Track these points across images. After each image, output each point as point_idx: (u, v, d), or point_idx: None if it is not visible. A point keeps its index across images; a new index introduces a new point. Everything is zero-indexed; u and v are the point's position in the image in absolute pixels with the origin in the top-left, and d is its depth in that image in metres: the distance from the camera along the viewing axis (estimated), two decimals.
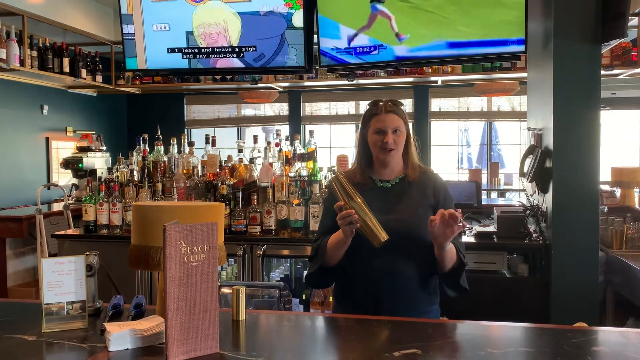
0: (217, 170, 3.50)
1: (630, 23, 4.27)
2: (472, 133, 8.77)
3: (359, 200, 1.79)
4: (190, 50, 3.51)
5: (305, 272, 2.10)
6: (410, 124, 2.03)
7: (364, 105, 2.13)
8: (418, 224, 1.88)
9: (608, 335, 1.63)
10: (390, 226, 1.81)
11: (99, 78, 5.85)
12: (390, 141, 1.90)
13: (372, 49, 3.27)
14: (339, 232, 1.84)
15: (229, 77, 5.89)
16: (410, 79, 5.90)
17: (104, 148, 6.01)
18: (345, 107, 7.69)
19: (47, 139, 6.62)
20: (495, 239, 3.24)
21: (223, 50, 3.47)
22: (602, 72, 3.47)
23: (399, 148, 1.94)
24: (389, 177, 1.99)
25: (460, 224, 1.72)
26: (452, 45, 3.13)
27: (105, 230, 3.43)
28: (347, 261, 1.91)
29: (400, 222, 1.88)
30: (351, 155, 3.31)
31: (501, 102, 7.27)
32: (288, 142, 3.59)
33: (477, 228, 3.40)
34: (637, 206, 4.02)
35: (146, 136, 3.73)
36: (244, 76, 5.65)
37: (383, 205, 1.91)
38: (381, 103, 1.96)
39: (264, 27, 3.38)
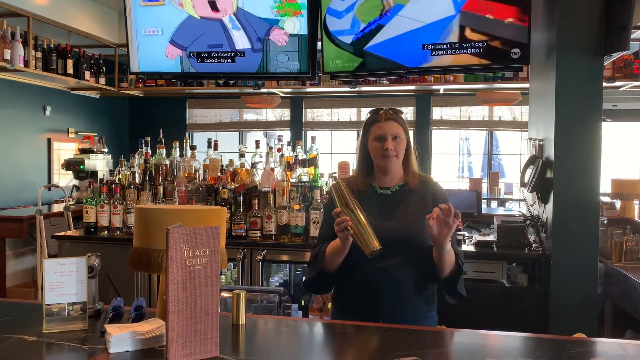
0: (219, 174, 3.51)
1: (633, 36, 4.28)
2: (473, 142, 8.79)
3: (355, 207, 1.79)
4: (190, 54, 3.51)
5: (304, 278, 2.10)
6: (410, 133, 2.04)
7: (365, 112, 2.14)
8: (417, 231, 1.89)
9: (606, 346, 1.64)
10: (389, 233, 1.83)
11: (102, 80, 5.87)
12: (390, 147, 1.91)
13: None
14: (338, 239, 1.85)
15: (232, 82, 5.91)
16: (412, 87, 5.90)
17: (106, 150, 6.02)
18: (346, 114, 7.71)
19: (49, 140, 6.63)
20: (494, 249, 3.25)
21: (225, 55, 3.48)
22: (604, 84, 3.48)
23: (399, 155, 1.95)
24: (389, 184, 2.00)
25: (455, 217, 1.71)
26: None
27: (105, 232, 3.44)
28: (346, 267, 1.91)
29: (399, 229, 1.89)
30: (352, 162, 3.32)
31: (502, 112, 7.29)
32: (290, 148, 3.60)
33: (477, 237, 3.40)
34: (636, 218, 4.03)
35: (148, 139, 3.73)
36: (247, 81, 5.66)
37: (383, 212, 1.92)
38: (382, 111, 1.98)
39: (265, 32, 3.39)
